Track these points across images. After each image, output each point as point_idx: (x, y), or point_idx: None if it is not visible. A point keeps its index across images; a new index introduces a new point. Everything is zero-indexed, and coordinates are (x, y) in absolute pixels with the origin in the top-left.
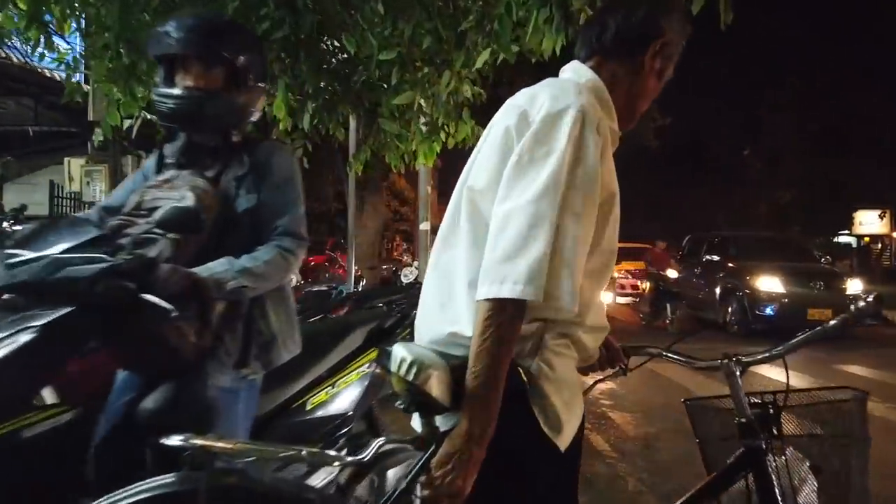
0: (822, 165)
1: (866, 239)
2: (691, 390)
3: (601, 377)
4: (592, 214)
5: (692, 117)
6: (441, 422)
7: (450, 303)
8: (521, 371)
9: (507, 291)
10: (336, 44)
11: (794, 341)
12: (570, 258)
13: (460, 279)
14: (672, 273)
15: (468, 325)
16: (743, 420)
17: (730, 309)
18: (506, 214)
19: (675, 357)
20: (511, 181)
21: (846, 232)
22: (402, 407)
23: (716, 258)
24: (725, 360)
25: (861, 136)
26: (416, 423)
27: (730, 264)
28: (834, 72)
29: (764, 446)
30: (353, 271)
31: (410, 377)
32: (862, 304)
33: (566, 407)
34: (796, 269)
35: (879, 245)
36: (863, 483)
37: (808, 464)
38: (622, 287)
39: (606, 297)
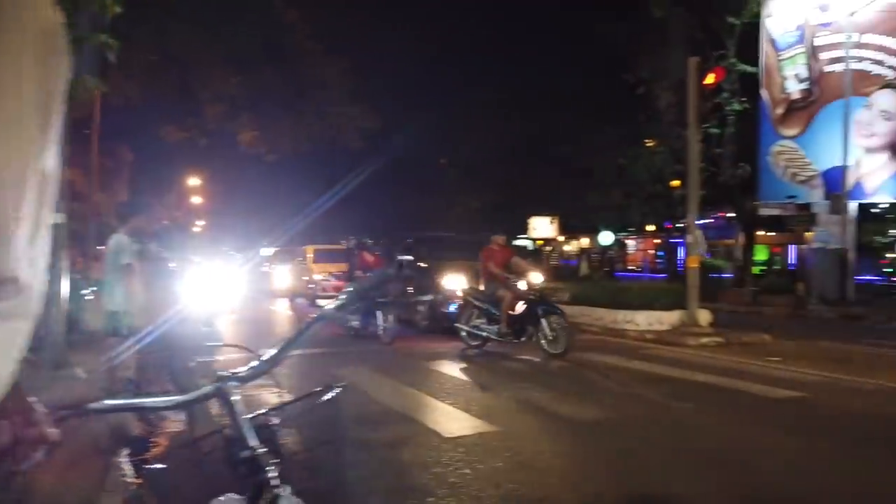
0: (506, 176)
1: (539, 242)
2: (372, 396)
3: None
4: None
5: (395, 126)
6: None
7: None
8: None
9: None
10: None
11: (293, 338)
12: None
13: None
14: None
15: None
16: (248, 453)
17: (419, 308)
18: None
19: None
20: None
21: (524, 236)
22: None
23: (409, 258)
24: (217, 385)
25: (536, 152)
26: None
27: (420, 264)
28: (516, 95)
29: (273, 479)
30: None
31: None
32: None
33: None
34: (476, 267)
35: (550, 247)
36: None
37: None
38: (324, 290)
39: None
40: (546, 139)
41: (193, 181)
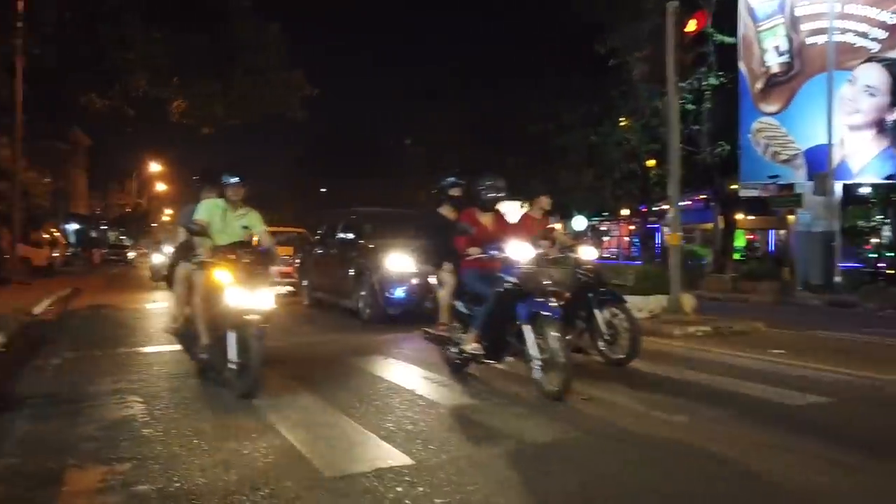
0: (477, 156)
1: None
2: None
3: None
4: None
5: (352, 101)
6: None
7: None
8: None
9: None
10: None
11: None
12: None
13: None
14: None
15: None
16: None
17: (362, 293)
18: None
19: None
20: None
21: None
22: None
23: (350, 237)
24: None
25: (506, 130)
26: None
27: (361, 242)
28: (484, 72)
29: None
30: None
31: None
32: None
33: None
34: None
35: None
36: None
37: None
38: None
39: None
40: (516, 117)
41: (155, 167)
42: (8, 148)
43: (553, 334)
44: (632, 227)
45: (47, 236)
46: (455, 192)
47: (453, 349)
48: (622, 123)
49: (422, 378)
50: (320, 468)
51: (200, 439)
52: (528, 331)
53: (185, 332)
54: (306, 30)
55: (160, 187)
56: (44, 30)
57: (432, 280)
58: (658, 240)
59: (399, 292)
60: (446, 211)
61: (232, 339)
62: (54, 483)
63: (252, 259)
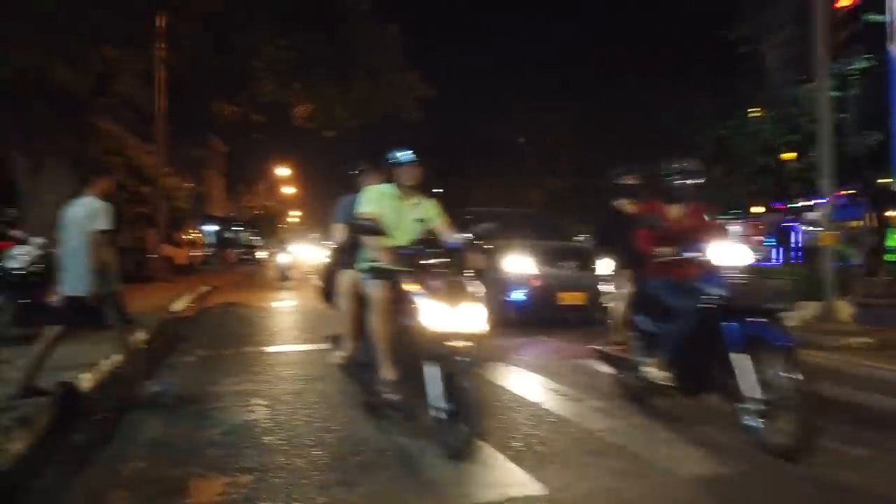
0: (589, 156)
1: None
2: None
3: None
4: None
5: (466, 102)
6: None
7: None
8: None
9: None
10: None
11: None
12: None
13: None
14: None
15: None
16: None
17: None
18: None
19: None
20: None
21: None
22: None
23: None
24: None
25: (623, 127)
26: None
27: (477, 243)
28: (599, 70)
29: None
30: None
31: None
32: None
33: None
34: (548, 248)
35: None
36: None
37: None
38: None
39: None
40: (634, 112)
41: (282, 171)
42: (153, 154)
43: (783, 371)
44: (761, 227)
45: (187, 237)
46: (632, 180)
47: (633, 375)
48: (754, 114)
49: (548, 390)
50: (448, 493)
51: (322, 450)
52: (743, 361)
53: (360, 361)
54: (423, 31)
55: (286, 190)
56: (181, 42)
57: (607, 288)
58: (796, 239)
59: (517, 295)
60: (623, 204)
61: (434, 375)
62: (178, 493)
63: (444, 263)
